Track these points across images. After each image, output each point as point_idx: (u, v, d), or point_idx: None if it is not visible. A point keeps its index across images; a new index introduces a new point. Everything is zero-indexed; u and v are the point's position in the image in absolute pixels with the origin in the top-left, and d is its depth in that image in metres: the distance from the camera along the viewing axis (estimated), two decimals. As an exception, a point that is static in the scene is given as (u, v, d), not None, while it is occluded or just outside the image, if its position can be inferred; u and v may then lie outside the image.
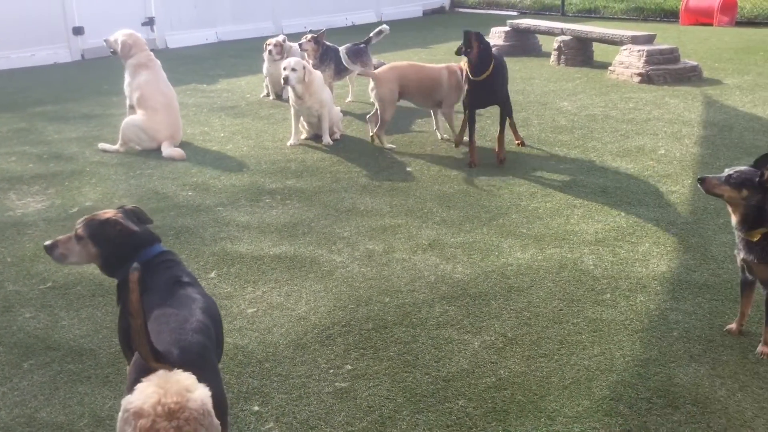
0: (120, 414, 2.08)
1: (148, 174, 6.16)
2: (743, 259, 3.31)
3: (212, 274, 4.31)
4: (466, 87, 6.40)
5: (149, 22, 12.72)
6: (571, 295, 3.96)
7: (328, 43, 7.82)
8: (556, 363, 3.33)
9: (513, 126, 6.71)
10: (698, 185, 3.32)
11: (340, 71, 7.96)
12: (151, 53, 6.99)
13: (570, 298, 3.92)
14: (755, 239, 3.21)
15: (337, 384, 3.22)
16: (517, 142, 6.71)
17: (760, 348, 3.32)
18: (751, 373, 3.19)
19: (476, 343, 3.51)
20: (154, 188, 5.82)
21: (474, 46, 5.95)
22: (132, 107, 6.93)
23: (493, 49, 6.26)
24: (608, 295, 3.94)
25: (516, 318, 3.74)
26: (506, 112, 6.43)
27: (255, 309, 3.90)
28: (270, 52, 8.31)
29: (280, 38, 8.48)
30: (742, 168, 3.25)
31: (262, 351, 3.49)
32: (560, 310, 3.81)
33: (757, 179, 3.15)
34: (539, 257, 4.43)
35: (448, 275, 4.23)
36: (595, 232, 4.75)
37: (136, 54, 6.84)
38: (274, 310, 3.87)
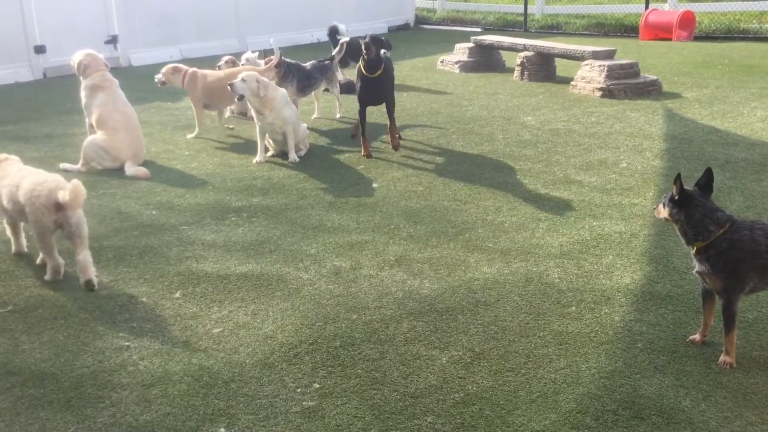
0: None
1: (111, 193, 6.09)
2: (697, 272, 3.39)
3: (177, 294, 4.26)
4: (359, 84, 7.08)
5: (112, 40, 12.61)
6: (537, 308, 3.99)
7: (289, 60, 7.82)
8: (523, 377, 3.35)
9: (392, 122, 7.16)
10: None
11: (304, 87, 7.98)
12: (108, 73, 6.91)
13: (536, 312, 3.95)
14: (694, 252, 3.34)
15: (304, 403, 3.19)
16: (393, 143, 7.11)
17: (722, 358, 3.37)
18: (714, 383, 3.24)
19: (444, 359, 3.51)
20: (117, 208, 5.74)
21: (373, 50, 6.77)
22: (92, 126, 6.86)
23: (384, 55, 7.03)
24: (574, 308, 3.97)
25: (483, 332, 3.75)
26: (390, 109, 7.11)
27: (221, 329, 3.85)
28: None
29: (252, 55, 8.44)
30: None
31: (228, 371, 3.45)
32: (527, 323, 3.83)
33: (669, 196, 3.38)
34: (505, 271, 4.45)
35: (415, 291, 4.23)
36: (560, 246, 4.80)
37: (92, 74, 6.78)
38: (241, 330, 3.84)
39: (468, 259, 4.65)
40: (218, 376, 3.41)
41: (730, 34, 14.11)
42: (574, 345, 3.60)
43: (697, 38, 14.08)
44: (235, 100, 6.76)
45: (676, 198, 3.34)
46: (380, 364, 3.48)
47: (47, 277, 4.49)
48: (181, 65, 7.82)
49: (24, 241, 4.90)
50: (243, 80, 6.56)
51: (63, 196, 4.27)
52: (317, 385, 3.32)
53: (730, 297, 3.28)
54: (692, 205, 3.30)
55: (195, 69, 7.72)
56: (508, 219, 5.30)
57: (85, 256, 4.37)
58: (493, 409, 3.12)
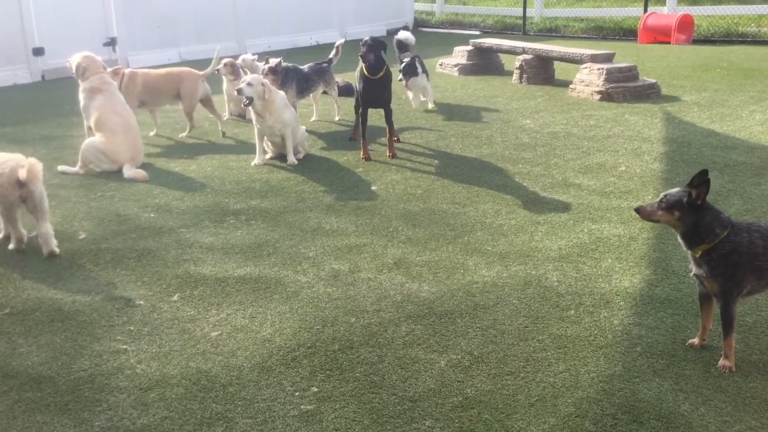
0: None
1: (110, 196, 6.08)
2: (695, 274, 3.38)
3: (175, 297, 4.25)
4: (361, 85, 7.05)
5: (111, 42, 12.61)
6: (536, 312, 3.98)
7: (287, 64, 7.82)
8: (522, 380, 3.34)
9: (392, 132, 7.15)
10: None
11: (303, 90, 7.99)
12: (107, 76, 6.93)
13: (535, 315, 3.94)
14: (699, 255, 3.29)
15: (302, 407, 3.18)
16: (389, 153, 7.03)
17: (721, 362, 3.36)
18: (713, 387, 3.23)
19: (443, 362, 3.50)
20: (115, 210, 5.73)
21: (373, 51, 6.81)
22: (90, 129, 6.86)
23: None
24: (572, 312, 3.96)
25: (482, 336, 3.74)
26: (389, 116, 7.09)
27: (219, 332, 3.84)
28: (218, 71, 8.31)
29: (249, 56, 8.47)
30: (673, 190, 3.33)
31: (226, 375, 3.44)
32: (525, 327, 3.82)
33: (686, 200, 3.24)
34: (504, 274, 4.44)
35: (414, 294, 4.22)
36: (558, 249, 4.79)
37: (91, 77, 6.79)
38: (239, 333, 3.82)
39: (467, 262, 4.64)
40: (216, 380, 3.40)
41: (728, 37, 14.13)
42: (573, 349, 3.59)
43: (696, 41, 14.10)
44: (243, 104, 6.77)
45: (699, 202, 3.24)
46: (379, 368, 3.47)
47: (11, 246, 4.99)
48: (121, 67, 7.91)
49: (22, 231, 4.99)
50: (249, 84, 6.56)
51: (22, 174, 4.69)
52: (315, 389, 3.31)
53: (727, 300, 3.27)
54: (704, 208, 3.26)
55: (134, 69, 7.88)
56: (507, 222, 5.29)
57: (47, 228, 4.85)
58: (492, 413, 3.11)
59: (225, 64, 8.39)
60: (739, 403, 3.11)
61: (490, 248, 4.84)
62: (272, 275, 4.51)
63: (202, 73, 8.02)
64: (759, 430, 2.93)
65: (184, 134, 8.09)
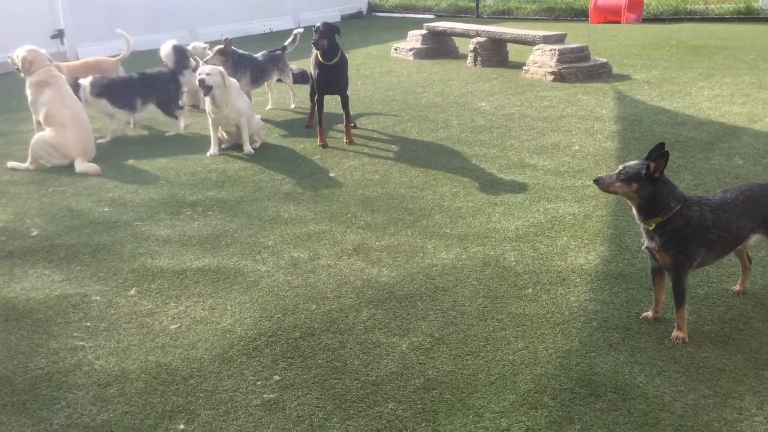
0: None
1: (62, 191, 5.96)
2: (647, 247, 3.44)
3: (132, 292, 4.20)
4: (316, 72, 6.97)
5: (59, 35, 12.31)
6: (494, 291, 4.03)
7: (241, 51, 7.74)
8: (482, 360, 3.38)
9: (348, 119, 7.13)
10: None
11: (257, 78, 7.91)
12: (54, 69, 6.77)
13: (494, 295, 3.98)
14: (652, 228, 3.35)
15: (265, 396, 3.18)
16: (346, 140, 7.03)
17: (674, 333, 3.44)
18: (668, 358, 3.31)
19: (404, 345, 3.53)
20: (68, 205, 5.63)
21: (326, 38, 6.72)
22: (40, 123, 6.71)
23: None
24: (530, 290, 4.02)
25: (442, 318, 3.77)
26: (345, 102, 7.07)
27: (178, 325, 3.81)
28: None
29: (200, 44, 8.37)
30: (631, 163, 3.37)
31: (186, 367, 3.41)
32: (485, 307, 3.86)
33: (644, 172, 3.28)
34: (463, 256, 4.48)
35: (374, 279, 4.24)
36: (515, 229, 4.85)
37: (38, 71, 6.63)
38: (198, 325, 3.80)
39: (426, 245, 4.67)
40: (176, 373, 3.37)
41: (677, 15, 14.39)
42: (531, 326, 3.64)
43: (646, 20, 14.32)
44: (202, 94, 6.69)
45: (656, 175, 3.28)
46: (340, 354, 3.48)
47: None
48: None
49: None
50: (209, 74, 6.47)
51: None
52: (277, 377, 3.31)
53: (679, 273, 3.35)
54: (660, 181, 3.31)
55: (58, 63, 7.71)
56: (465, 204, 5.33)
57: None
58: (453, 392, 3.14)
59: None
60: (693, 373, 3.19)
61: (448, 231, 4.88)
62: (231, 265, 4.49)
63: (117, 59, 8.00)
64: (712, 398, 3.01)
65: (131, 125, 7.99)
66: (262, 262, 4.53)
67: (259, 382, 3.27)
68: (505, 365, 3.32)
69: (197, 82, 6.61)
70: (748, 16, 13.60)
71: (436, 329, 3.66)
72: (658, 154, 3.27)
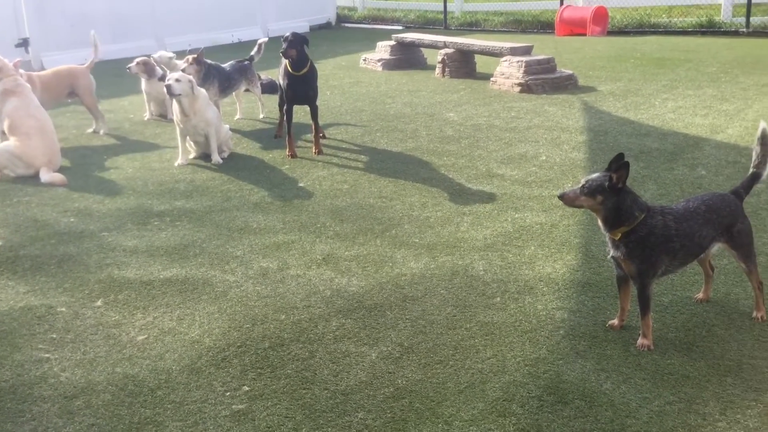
0: None
1: (26, 201, 5.87)
2: (612, 256, 3.50)
3: (98, 303, 4.15)
4: (285, 82, 6.94)
5: (23, 44, 12.16)
6: (463, 300, 4.05)
7: (209, 61, 7.72)
8: (451, 368, 3.40)
9: (317, 129, 7.11)
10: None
11: (225, 88, 7.90)
12: (19, 78, 6.70)
13: (463, 304, 4.01)
14: (618, 237, 3.41)
15: (234, 406, 3.16)
16: (315, 150, 6.98)
17: (640, 341, 3.50)
18: (633, 366, 3.36)
19: (374, 355, 3.54)
20: (33, 216, 5.55)
21: (295, 47, 6.70)
22: (4, 133, 6.61)
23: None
24: (498, 299, 4.05)
25: (411, 327, 3.79)
26: (315, 112, 7.06)
27: (146, 336, 3.77)
28: (129, 69, 8.16)
29: (166, 54, 8.31)
30: (593, 175, 3.41)
31: (154, 379, 3.38)
32: (454, 316, 3.89)
33: (607, 184, 3.34)
34: (432, 266, 4.51)
35: (343, 289, 4.24)
36: (484, 238, 4.89)
37: (2, 80, 6.55)
38: (166, 336, 3.76)
39: (395, 255, 4.69)
40: (144, 384, 3.34)
41: (641, 28, 14.65)
42: (500, 335, 3.68)
43: (611, 33, 14.56)
44: (167, 96, 6.65)
45: (619, 186, 3.33)
46: (310, 363, 3.47)
47: None
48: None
49: None
50: (177, 80, 6.44)
51: None
52: (246, 388, 3.29)
53: (644, 281, 3.41)
54: (624, 192, 3.36)
55: (29, 72, 7.70)
56: (434, 214, 5.37)
57: None
58: (423, 401, 3.16)
59: (138, 62, 8.21)
60: (658, 380, 3.24)
61: (417, 240, 4.90)
62: (199, 276, 4.46)
63: (86, 65, 8.00)
64: (676, 404, 3.07)
65: (101, 131, 7.93)
66: (231, 272, 4.50)
67: (228, 393, 3.25)
68: (474, 373, 3.35)
69: (164, 88, 6.57)
70: (710, 29, 13.90)
71: (405, 338, 3.68)
72: (620, 164, 3.32)
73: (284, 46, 6.71)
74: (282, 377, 3.36)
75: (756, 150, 3.68)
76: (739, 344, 3.48)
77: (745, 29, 13.51)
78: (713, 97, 8.59)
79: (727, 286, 4.06)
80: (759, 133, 3.66)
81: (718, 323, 3.69)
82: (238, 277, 4.43)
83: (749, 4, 13.55)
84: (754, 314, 3.70)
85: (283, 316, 3.93)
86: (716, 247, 3.65)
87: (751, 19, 13.53)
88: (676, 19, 14.74)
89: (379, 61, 11.78)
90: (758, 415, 2.96)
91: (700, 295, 3.91)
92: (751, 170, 3.69)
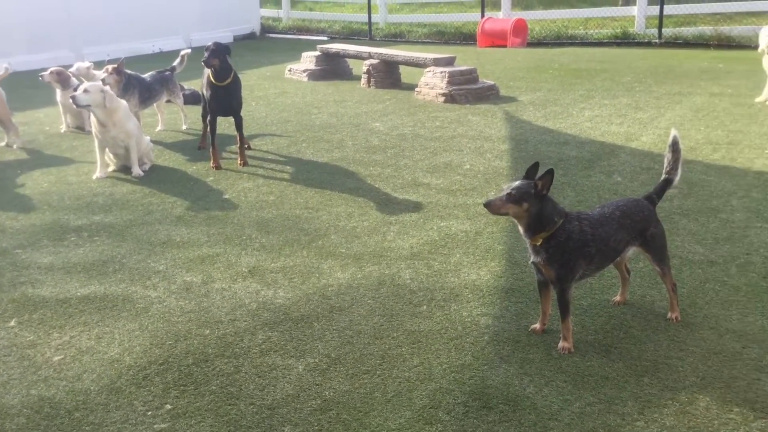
0: None
1: (-67, 219, 5.60)
2: (533, 262, 3.57)
3: (12, 323, 3.98)
4: (208, 93, 6.84)
5: (-69, 53, 11.60)
6: (390, 310, 4.07)
7: (129, 71, 7.55)
8: (378, 378, 3.40)
9: (242, 141, 7.03)
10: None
11: (145, 99, 7.74)
12: None
13: (389, 313, 4.02)
14: (538, 243, 3.49)
15: (156, 426, 3.07)
16: (240, 161, 6.94)
17: (561, 344, 3.58)
18: (555, 369, 3.44)
19: (300, 367, 3.51)
20: (-60, 234, 5.29)
21: (217, 57, 6.62)
22: None
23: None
24: (425, 307, 4.08)
25: (339, 337, 3.77)
26: (239, 124, 6.95)
27: (62, 356, 3.64)
28: (42, 77, 7.91)
29: (83, 65, 8.08)
30: (516, 183, 3.46)
31: (71, 400, 3.26)
32: (381, 325, 3.89)
33: (533, 191, 3.41)
34: (359, 275, 4.51)
35: (269, 301, 4.19)
36: (410, 247, 4.92)
37: None
38: (84, 355, 3.64)
39: (321, 265, 4.67)
40: (60, 406, 3.21)
41: (559, 40, 15.08)
42: (426, 343, 3.70)
43: (530, 44, 14.94)
44: (74, 106, 6.45)
45: (544, 192, 3.40)
46: (235, 378, 3.42)
47: None
48: None
49: None
50: (86, 91, 6.26)
51: None
52: (169, 406, 3.21)
53: (563, 285, 3.50)
54: (546, 198, 3.43)
55: None
56: (360, 224, 5.37)
57: None
58: (350, 412, 3.15)
59: (51, 72, 7.95)
60: (578, 381, 3.32)
61: (344, 251, 4.90)
62: (119, 292, 4.33)
63: None
64: (596, 405, 3.15)
65: (14, 145, 7.64)
66: (153, 287, 4.40)
67: (150, 412, 3.17)
68: (401, 382, 3.36)
69: (70, 98, 6.38)
70: (625, 40, 14.42)
71: (332, 349, 3.66)
72: (545, 172, 3.40)
73: (206, 55, 6.61)
74: (206, 394, 3.30)
75: (668, 157, 3.82)
76: (655, 345, 3.60)
77: (657, 40, 14.08)
78: (628, 105, 8.90)
79: (643, 288, 4.20)
80: (670, 140, 3.80)
81: (635, 325, 3.81)
82: (160, 292, 4.33)
83: (661, 16, 14.14)
84: (669, 315, 3.84)
85: (208, 331, 3.85)
86: (631, 251, 3.77)
87: (663, 30, 14.12)
88: (592, 31, 15.25)
89: (304, 71, 11.75)
90: (674, 413, 3.07)
91: (618, 298, 4.04)
92: (663, 176, 3.83)
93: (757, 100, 8.79)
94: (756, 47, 8.84)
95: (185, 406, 3.20)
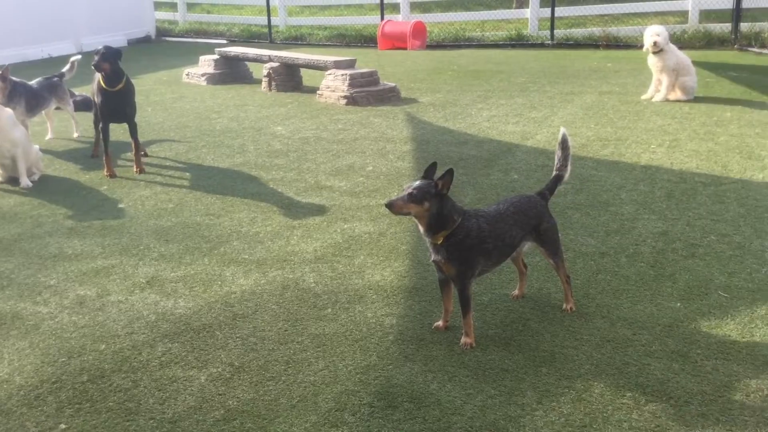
0: None
1: None
2: (434, 260, 3.63)
3: None
4: (99, 99, 6.63)
5: None
6: (294, 314, 4.04)
7: (15, 78, 7.20)
8: (283, 384, 3.37)
9: (137, 147, 6.85)
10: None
11: (33, 107, 7.41)
12: None
13: (294, 318, 3.99)
14: (439, 242, 3.54)
15: (50, 447, 2.94)
16: (136, 169, 6.76)
17: (463, 340, 3.65)
18: (457, 364, 3.50)
19: (203, 378, 3.43)
20: None
21: (107, 60, 6.41)
22: None
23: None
24: (329, 310, 4.08)
25: (242, 345, 3.72)
26: (134, 130, 6.76)
27: (-55, 380, 3.43)
28: None
29: None
30: (417, 183, 3.49)
31: (-45, 427, 3.08)
32: (285, 330, 3.86)
33: (434, 190, 3.47)
34: (262, 281, 4.45)
35: (169, 311, 4.08)
36: (314, 250, 4.90)
37: None
38: (-30, 378, 3.44)
39: (224, 273, 4.58)
40: (-57, 434, 3.03)
41: (457, 42, 15.39)
42: (332, 346, 3.69)
43: (429, 47, 15.18)
44: None
45: (444, 192, 3.44)
46: (134, 393, 3.31)
47: None
48: None
49: None
50: None
51: None
52: (63, 426, 3.07)
53: (463, 282, 3.57)
54: (445, 198, 3.48)
55: None
56: (263, 229, 5.31)
57: None
58: (255, 420, 3.10)
59: None
60: (480, 375, 3.39)
61: (247, 257, 4.83)
62: (7, 310, 4.12)
63: None
64: (498, 397, 3.22)
65: None
66: (44, 303, 4.20)
67: (43, 434, 3.03)
68: (307, 387, 3.34)
69: None
70: (519, 42, 14.86)
71: (236, 357, 3.60)
72: (445, 171, 3.45)
73: (96, 59, 6.39)
74: (103, 411, 3.18)
75: (558, 154, 3.96)
76: (552, 335, 3.73)
77: (550, 41, 14.58)
78: (523, 105, 9.18)
79: (540, 282, 4.33)
80: (560, 138, 3.94)
81: (533, 317, 3.93)
82: (51, 308, 4.14)
83: (552, 18, 14.65)
84: (564, 306, 3.98)
85: (103, 346, 3.72)
86: (526, 246, 3.89)
87: (555, 31, 14.64)
88: (488, 33, 15.64)
89: (203, 75, 11.52)
90: (571, 401, 3.18)
91: (516, 292, 4.15)
92: (554, 173, 3.97)
93: (643, 97, 9.25)
94: (641, 47, 9.28)
95: (81, 425, 3.08)
